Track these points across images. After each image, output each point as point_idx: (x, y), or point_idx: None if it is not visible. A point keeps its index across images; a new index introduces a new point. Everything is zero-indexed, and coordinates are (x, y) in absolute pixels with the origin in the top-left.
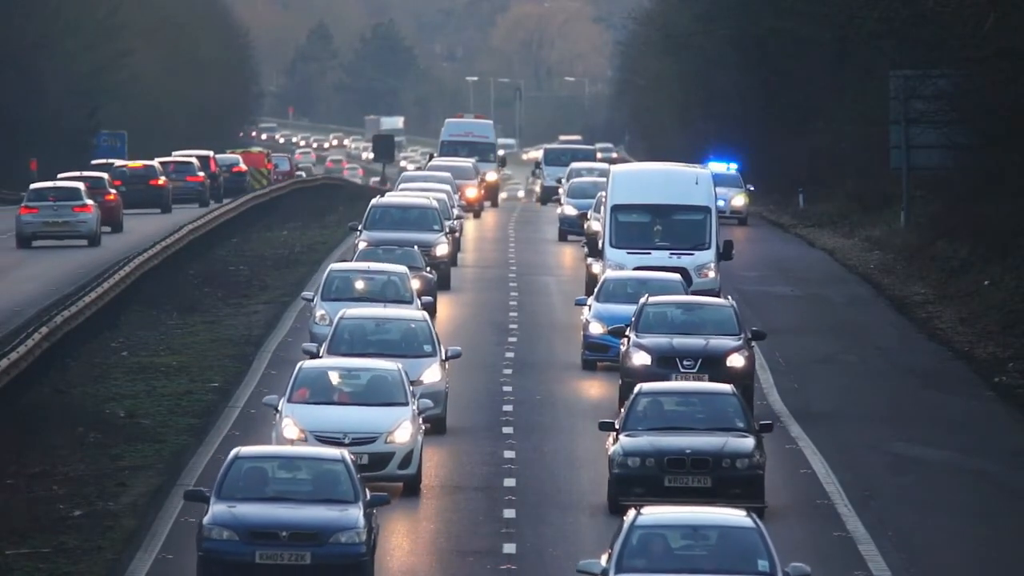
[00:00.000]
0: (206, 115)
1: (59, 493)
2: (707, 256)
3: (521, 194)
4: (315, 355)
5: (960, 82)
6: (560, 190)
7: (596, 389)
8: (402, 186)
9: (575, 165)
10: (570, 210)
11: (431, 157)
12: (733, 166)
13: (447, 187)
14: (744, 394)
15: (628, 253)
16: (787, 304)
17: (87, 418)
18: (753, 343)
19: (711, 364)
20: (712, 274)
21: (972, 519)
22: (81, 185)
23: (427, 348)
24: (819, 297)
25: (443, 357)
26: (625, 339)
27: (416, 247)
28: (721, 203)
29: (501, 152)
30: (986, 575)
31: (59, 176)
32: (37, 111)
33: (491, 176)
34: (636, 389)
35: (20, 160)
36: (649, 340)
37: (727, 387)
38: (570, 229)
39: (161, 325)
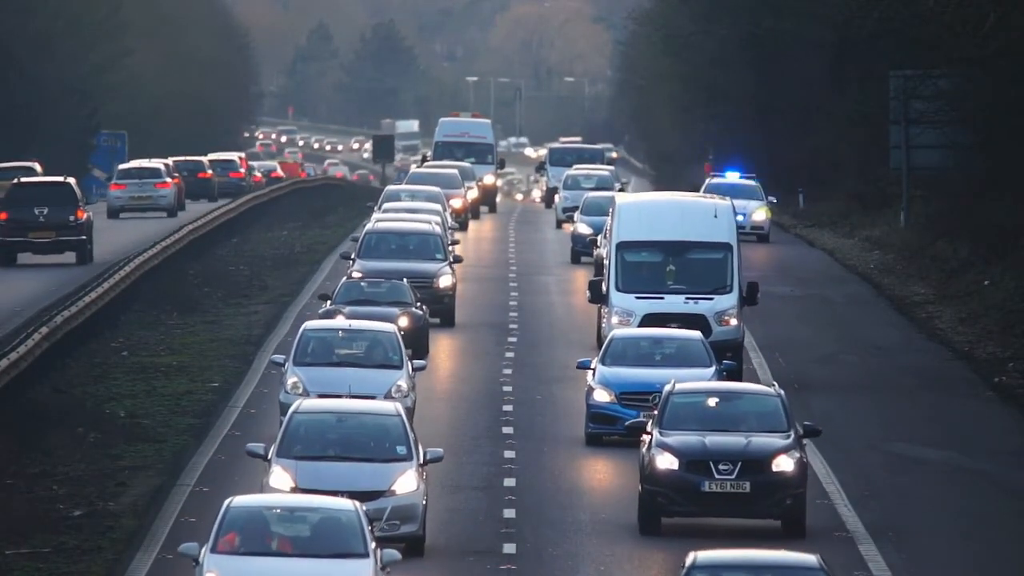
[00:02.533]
0: (206, 115)
1: (59, 493)
2: (729, 301)
3: (520, 197)
4: (263, 457)
5: (960, 82)
6: (557, 197)
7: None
8: (386, 205)
9: (571, 172)
10: (584, 228)
11: (424, 159)
12: (752, 178)
13: (437, 206)
14: (794, 507)
15: (637, 298)
16: (787, 304)
17: (87, 418)
18: (806, 441)
19: (753, 468)
20: (734, 321)
21: (972, 519)
22: (162, 165)
23: (400, 450)
24: (819, 297)
25: (421, 461)
26: (646, 436)
27: (405, 280)
28: (740, 217)
29: (512, 150)
30: (986, 575)
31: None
32: (37, 111)
33: (488, 179)
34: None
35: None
36: (676, 439)
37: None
38: (584, 250)
39: (161, 325)
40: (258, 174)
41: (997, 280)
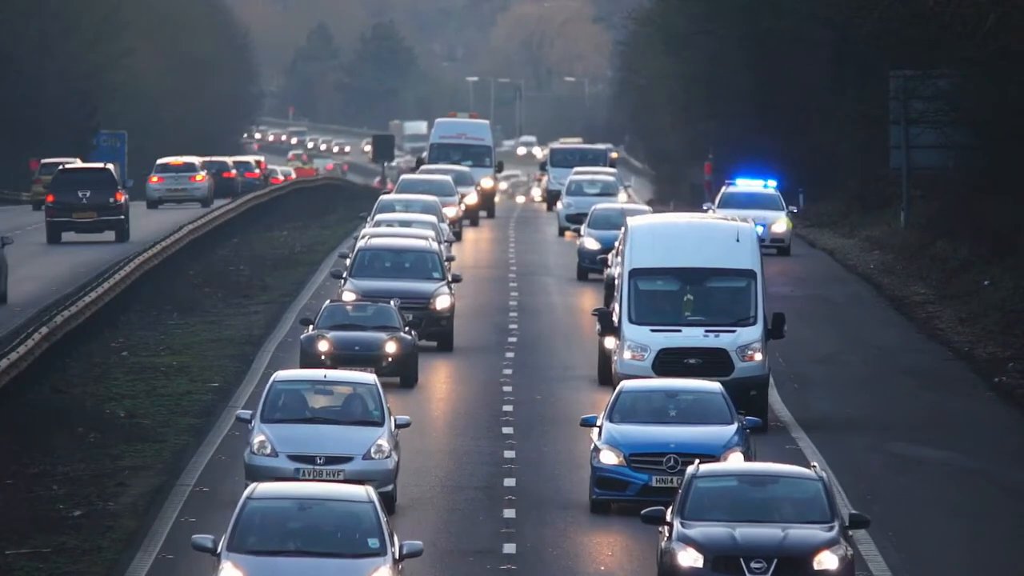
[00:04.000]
0: (206, 115)
1: (59, 493)
2: (753, 334)
3: (521, 199)
4: (212, 552)
5: (960, 82)
6: (560, 203)
7: (597, 389)
8: (379, 216)
9: (574, 177)
10: (591, 243)
11: (419, 163)
12: (772, 183)
13: (432, 218)
14: None
15: (652, 331)
16: (787, 304)
17: (87, 418)
18: (851, 532)
19: (791, 567)
20: (759, 356)
21: (972, 519)
22: (197, 160)
23: (372, 543)
24: (819, 297)
25: (396, 556)
26: (666, 527)
27: (393, 302)
28: (760, 229)
29: (521, 149)
30: (986, 575)
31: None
32: (37, 111)
33: (486, 182)
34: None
35: (20, 160)
36: (701, 531)
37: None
38: (591, 266)
39: (161, 325)
40: (280, 176)
41: (997, 280)
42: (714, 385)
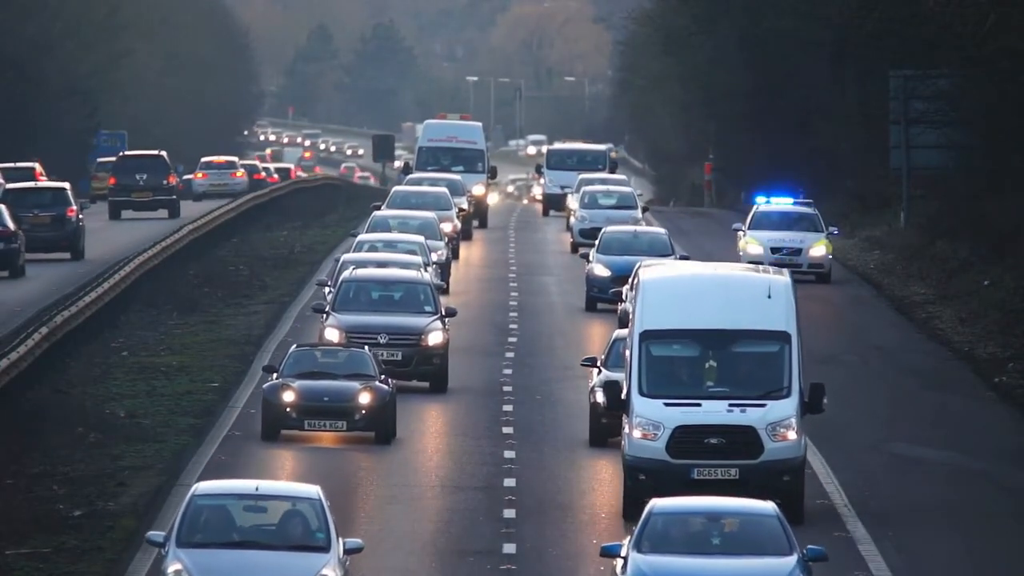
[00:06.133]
0: (206, 115)
1: (59, 493)
2: (786, 408)
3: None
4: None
5: (960, 82)
6: (573, 218)
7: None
8: (361, 238)
9: (588, 189)
10: (601, 270)
11: (407, 168)
12: (803, 200)
13: (420, 239)
14: None
15: (666, 404)
16: None
17: (87, 418)
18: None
19: None
20: (793, 435)
21: (972, 519)
22: (236, 159)
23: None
24: (819, 297)
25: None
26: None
27: (367, 348)
28: (798, 252)
29: (533, 147)
30: (985, 575)
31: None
32: (37, 111)
33: (478, 190)
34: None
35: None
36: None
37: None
38: (600, 295)
39: (161, 325)
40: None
41: (997, 280)
42: (767, 506)
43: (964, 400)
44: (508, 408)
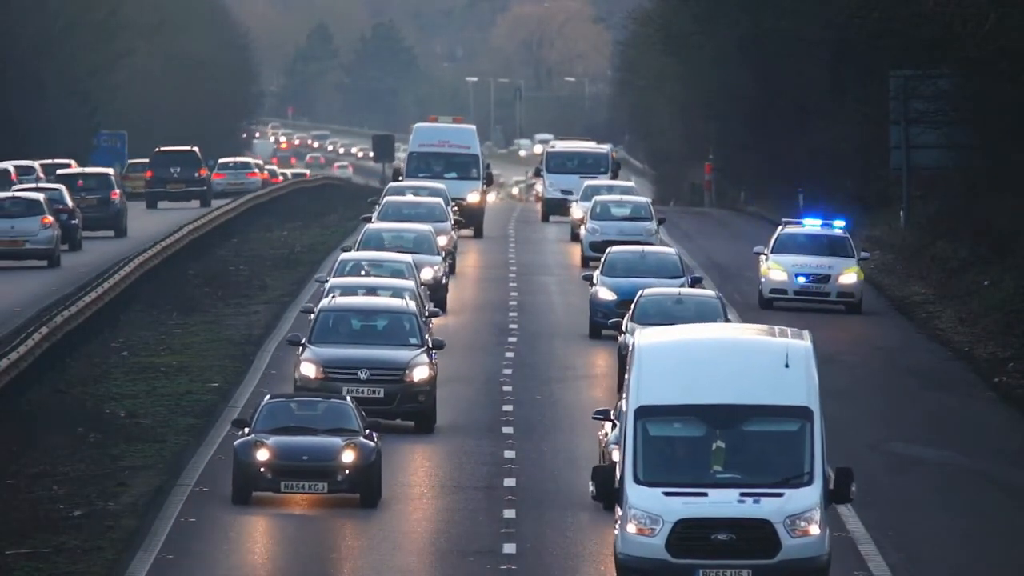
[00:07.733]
0: (206, 115)
1: (59, 493)
2: (808, 498)
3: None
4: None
5: (960, 82)
6: (583, 229)
7: (597, 389)
8: (347, 258)
9: (600, 198)
10: (606, 294)
11: (397, 175)
12: (839, 223)
13: (409, 261)
14: None
15: (666, 494)
16: (787, 304)
17: (87, 418)
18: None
19: None
20: (816, 529)
21: (972, 519)
22: (251, 159)
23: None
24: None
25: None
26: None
27: (348, 396)
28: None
29: (540, 146)
30: (985, 575)
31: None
32: (37, 111)
33: (473, 197)
34: None
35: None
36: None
37: None
38: (604, 320)
39: (161, 325)
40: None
41: (997, 280)
42: None
43: (964, 400)
44: (508, 408)
